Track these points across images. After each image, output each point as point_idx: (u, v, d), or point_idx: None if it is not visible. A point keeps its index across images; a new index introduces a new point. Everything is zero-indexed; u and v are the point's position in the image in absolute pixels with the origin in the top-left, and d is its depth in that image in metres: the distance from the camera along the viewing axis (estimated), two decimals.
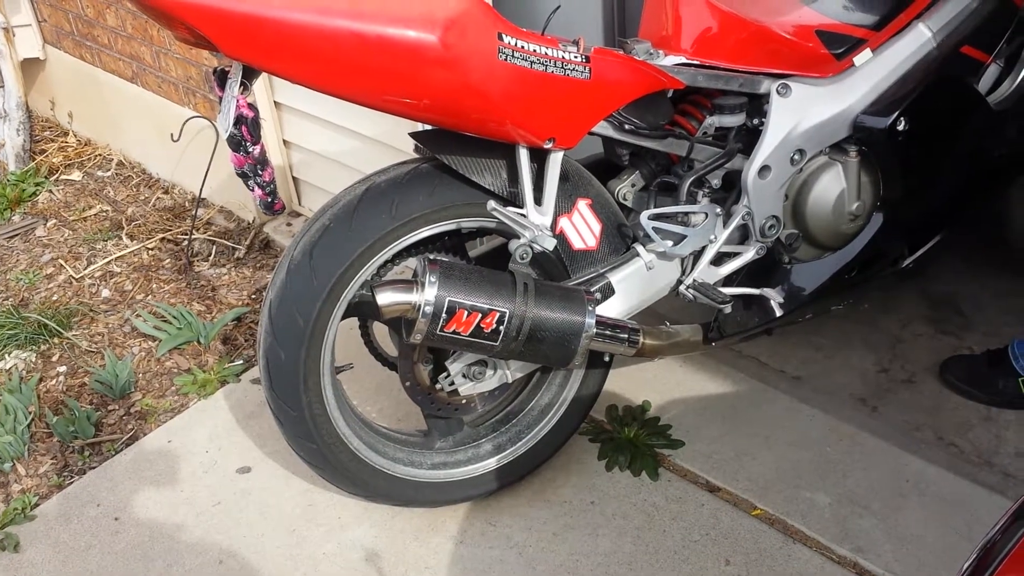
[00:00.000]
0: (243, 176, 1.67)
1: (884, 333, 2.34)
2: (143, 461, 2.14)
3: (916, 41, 1.77)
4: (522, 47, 1.52)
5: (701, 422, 2.11)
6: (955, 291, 2.44)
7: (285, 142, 2.82)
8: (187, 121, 2.85)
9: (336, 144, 2.65)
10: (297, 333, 1.68)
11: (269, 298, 1.70)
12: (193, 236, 2.87)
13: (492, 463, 1.92)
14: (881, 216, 1.87)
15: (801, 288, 1.89)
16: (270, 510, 2.00)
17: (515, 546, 1.88)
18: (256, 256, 2.83)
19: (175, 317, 2.53)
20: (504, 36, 1.51)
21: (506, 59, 1.50)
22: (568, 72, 1.56)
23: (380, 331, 1.94)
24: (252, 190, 1.68)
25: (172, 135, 2.75)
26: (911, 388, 2.17)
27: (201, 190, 2.84)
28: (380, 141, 2.53)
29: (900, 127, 1.74)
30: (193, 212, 2.97)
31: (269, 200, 1.63)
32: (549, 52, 1.54)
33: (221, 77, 1.60)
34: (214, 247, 2.84)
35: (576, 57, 1.57)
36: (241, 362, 2.41)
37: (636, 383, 2.20)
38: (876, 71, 1.77)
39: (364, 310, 1.81)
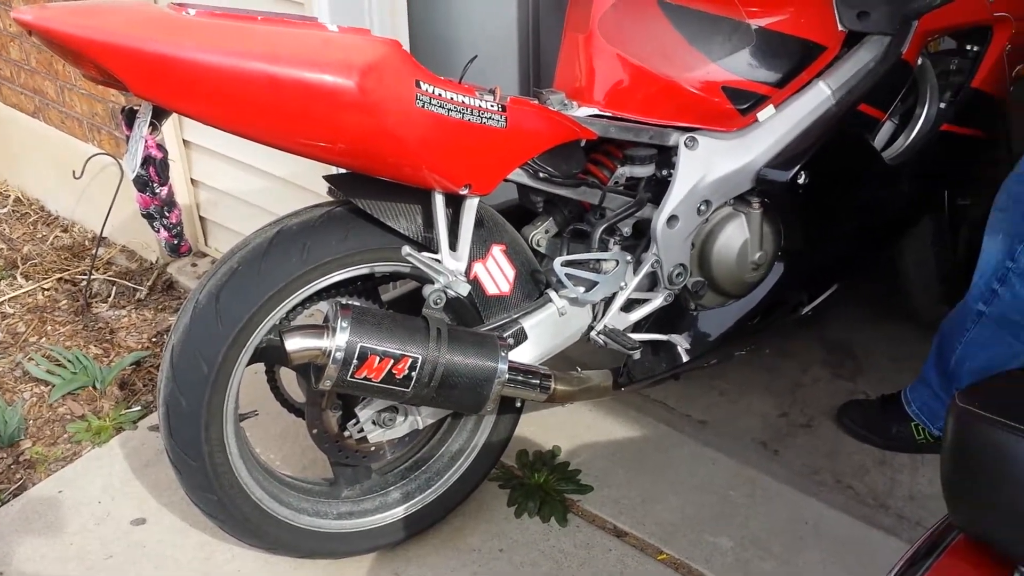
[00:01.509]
0: (148, 217, 1.63)
1: (784, 378, 2.41)
2: (31, 512, 2.02)
3: (816, 99, 1.85)
4: (439, 94, 1.53)
5: (610, 466, 2.12)
6: (849, 338, 2.54)
7: (193, 180, 2.76)
8: (91, 158, 2.76)
9: (246, 184, 2.61)
10: (200, 379, 1.63)
11: (171, 342, 1.65)
12: (92, 276, 2.77)
13: (400, 511, 1.89)
14: (782, 265, 1.94)
15: (707, 334, 1.94)
16: (166, 563, 1.91)
17: None
18: (158, 298, 2.74)
19: (70, 361, 2.42)
20: (422, 83, 1.51)
21: (423, 106, 1.51)
22: (484, 120, 1.58)
23: (287, 376, 1.89)
24: (157, 232, 1.63)
25: (74, 172, 2.66)
26: (810, 432, 2.24)
27: (103, 229, 2.75)
28: (291, 182, 2.50)
29: (800, 181, 1.82)
30: (93, 251, 2.86)
31: (175, 243, 1.60)
32: (466, 100, 1.56)
33: (129, 116, 1.56)
34: (114, 288, 2.74)
35: (493, 106, 1.59)
36: (139, 408, 2.32)
37: (546, 428, 2.21)
38: (778, 127, 1.84)
39: (271, 355, 1.77)
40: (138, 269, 2.85)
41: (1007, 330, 1.88)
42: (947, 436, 0.83)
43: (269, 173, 2.54)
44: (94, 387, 2.36)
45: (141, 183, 1.56)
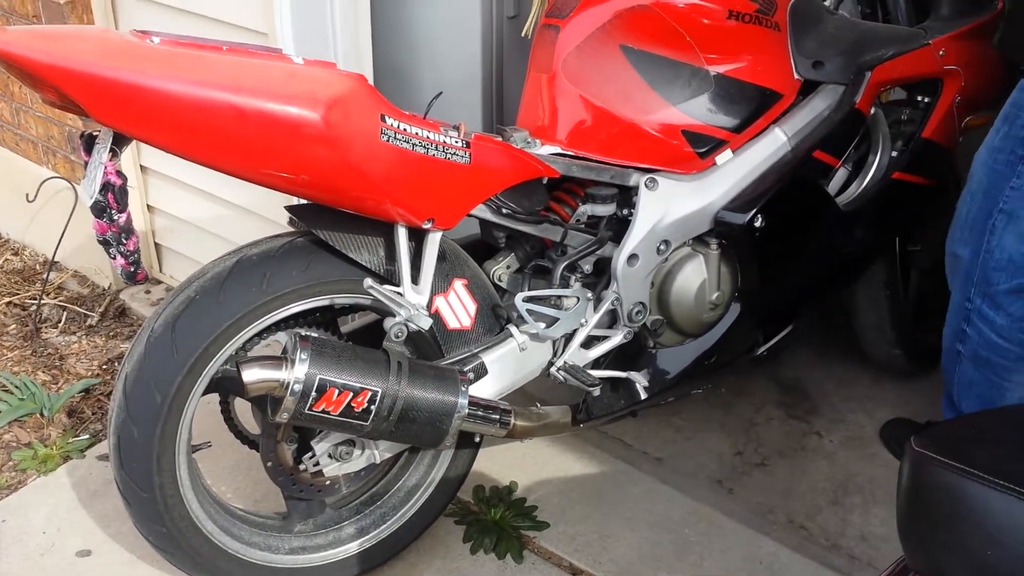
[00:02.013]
0: (104, 243, 1.61)
1: (738, 417, 2.43)
2: None
3: (773, 144, 1.89)
4: (404, 129, 1.54)
5: (566, 503, 2.12)
6: (802, 377, 2.58)
7: (149, 207, 2.73)
8: (44, 181, 2.71)
9: (203, 211, 2.58)
10: (153, 409, 1.60)
11: (125, 371, 1.62)
12: (43, 301, 2.71)
13: (354, 547, 1.86)
14: (739, 306, 1.97)
15: (665, 372, 1.95)
16: None
17: None
18: (110, 324, 2.69)
19: (17, 387, 2.36)
20: (387, 118, 1.52)
21: (388, 140, 1.52)
22: (449, 156, 1.59)
23: (241, 407, 1.87)
24: (113, 258, 1.61)
25: (28, 195, 2.61)
26: (764, 471, 2.26)
27: (55, 253, 2.70)
28: (249, 210, 2.48)
29: (757, 223, 1.85)
30: (44, 275, 2.80)
31: (132, 270, 1.58)
32: (431, 136, 1.57)
33: (88, 141, 1.55)
34: (65, 313, 2.69)
35: (457, 142, 1.60)
36: (87, 437, 2.27)
37: (503, 463, 2.20)
38: (736, 170, 1.88)
39: (226, 385, 1.74)
40: (90, 295, 2.80)
41: (985, 368, 1.94)
42: (903, 480, 0.84)
43: (227, 201, 2.52)
44: (41, 414, 2.30)
45: (98, 209, 1.54)
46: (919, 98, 2.10)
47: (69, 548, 1.96)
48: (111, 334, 2.65)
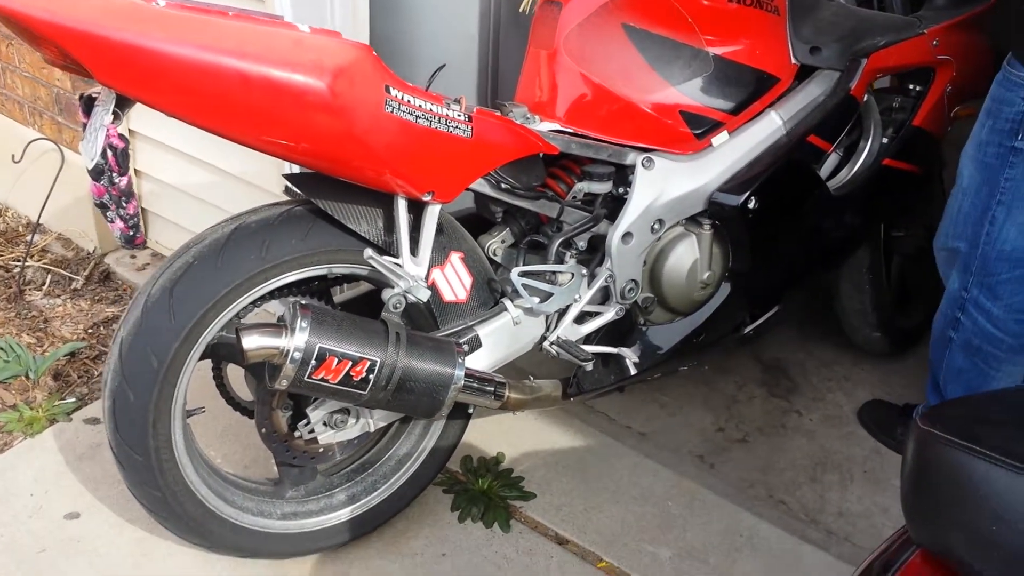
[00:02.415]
0: (101, 207, 1.59)
1: (721, 394, 2.48)
2: None
3: (768, 128, 1.92)
4: (408, 101, 1.54)
5: (553, 475, 2.15)
6: (784, 357, 2.63)
7: (137, 171, 2.70)
8: (31, 143, 2.68)
9: (192, 177, 2.57)
10: (150, 374, 1.60)
11: (120, 336, 1.62)
12: (27, 263, 2.68)
13: (345, 514, 1.89)
14: (729, 286, 2.00)
15: (655, 349, 1.98)
16: (100, 560, 1.87)
17: None
18: (95, 288, 2.68)
19: (2, 348, 2.34)
20: (392, 89, 1.53)
21: (392, 111, 1.52)
22: (451, 129, 1.60)
23: (233, 373, 1.87)
24: (111, 222, 1.60)
25: (13, 156, 2.58)
26: (745, 447, 2.31)
27: (40, 215, 2.67)
28: (240, 178, 2.47)
29: (751, 205, 1.88)
30: (29, 238, 2.77)
31: (131, 234, 1.56)
32: (434, 108, 1.57)
33: (88, 103, 1.53)
34: (49, 276, 2.67)
35: (459, 115, 1.61)
36: (73, 400, 2.26)
37: (491, 435, 2.23)
38: (731, 152, 1.90)
39: (221, 352, 1.75)
40: (74, 258, 2.77)
41: (976, 356, 2.00)
42: (908, 457, 0.87)
43: (218, 168, 2.51)
44: (27, 376, 2.29)
45: (97, 172, 1.53)
46: (911, 86, 2.13)
47: (57, 511, 1.96)
48: (96, 298, 2.64)
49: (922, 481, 0.86)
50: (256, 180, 2.42)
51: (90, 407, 2.25)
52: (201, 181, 2.55)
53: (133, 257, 2.80)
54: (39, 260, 2.73)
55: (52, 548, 1.88)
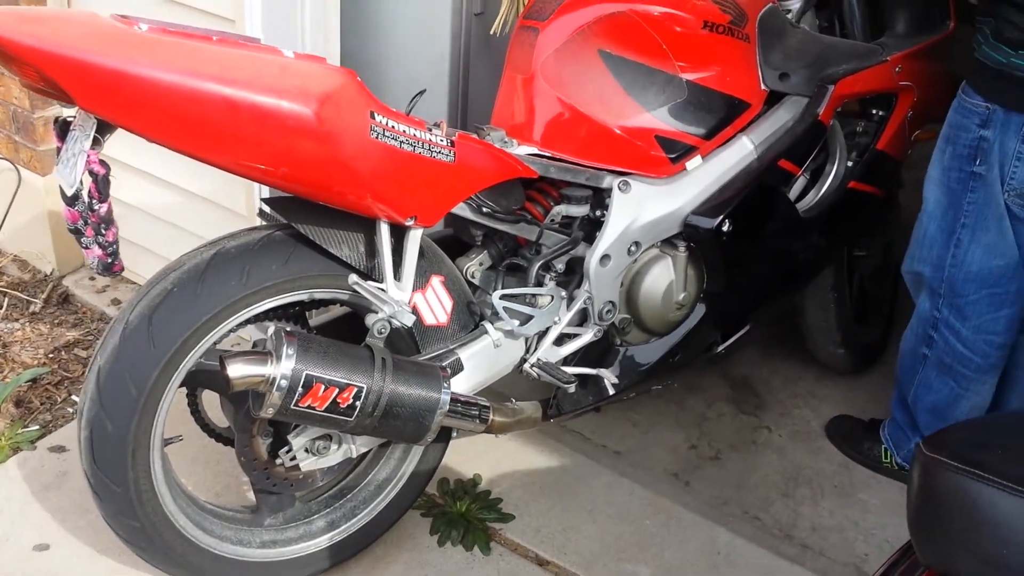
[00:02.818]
0: (76, 232, 1.56)
1: (691, 412, 2.51)
2: None
3: (740, 152, 1.96)
4: (393, 127, 1.55)
5: (530, 495, 2.16)
6: (751, 375, 2.67)
7: None
8: None
9: (156, 198, 2.53)
10: (129, 403, 1.57)
11: (98, 364, 1.59)
12: None
13: (324, 540, 1.86)
14: (703, 306, 2.03)
15: (632, 369, 2.00)
16: None
17: None
18: (54, 311, 2.61)
19: None
20: (376, 115, 1.53)
21: (377, 137, 1.52)
22: (434, 154, 1.60)
23: (208, 401, 1.85)
24: (86, 248, 1.57)
25: None
26: (718, 464, 2.34)
27: None
28: (208, 199, 2.44)
29: (725, 228, 1.91)
30: None
31: (109, 261, 1.54)
32: (418, 134, 1.58)
33: (63, 127, 1.51)
34: (6, 299, 2.59)
35: (442, 140, 1.62)
36: (37, 427, 2.20)
37: (467, 456, 2.22)
38: (705, 176, 1.94)
39: (199, 379, 1.73)
40: (31, 280, 2.70)
41: (946, 374, 2.06)
42: (914, 482, 0.90)
43: (184, 189, 2.47)
44: None
45: (71, 198, 1.50)
46: (874, 111, 2.19)
47: (25, 542, 1.91)
48: (56, 321, 2.57)
49: (928, 506, 0.89)
50: (224, 202, 2.39)
51: (54, 435, 2.19)
52: (166, 203, 2.51)
53: (92, 280, 2.74)
54: None
55: None
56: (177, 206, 2.49)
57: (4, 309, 2.57)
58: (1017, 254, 1.91)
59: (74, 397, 2.32)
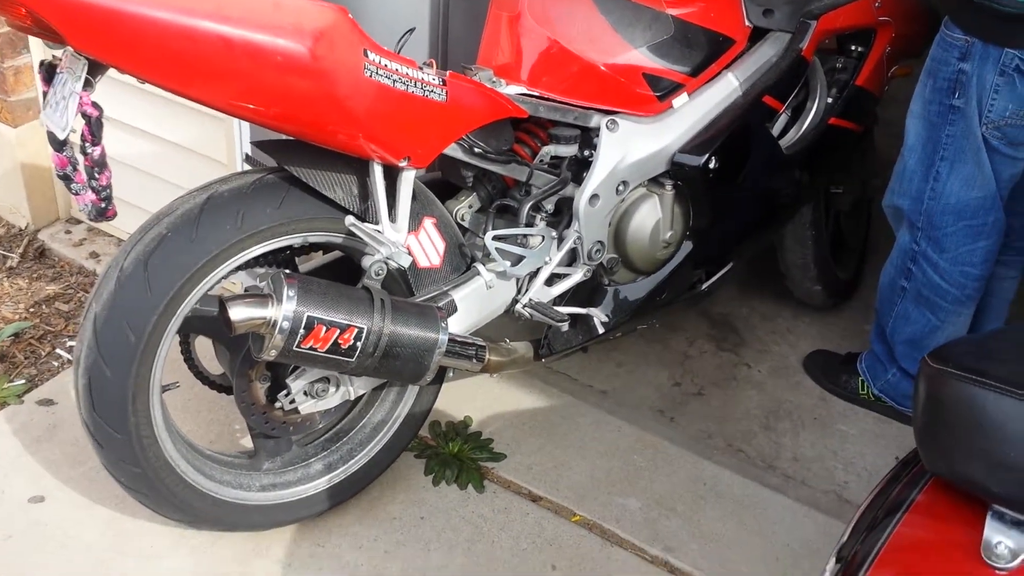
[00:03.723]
0: (65, 179, 1.54)
1: (674, 351, 2.55)
2: None
3: (726, 89, 1.97)
4: (386, 65, 1.54)
5: (520, 435, 2.19)
6: (730, 312, 2.72)
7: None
8: None
9: (132, 148, 2.48)
10: (128, 349, 1.57)
11: (94, 311, 1.58)
12: None
13: (323, 483, 1.89)
14: (689, 244, 2.06)
15: (621, 307, 2.03)
16: (72, 542, 1.83)
17: (346, 566, 1.85)
18: (31, 265, 2.57)
19: None
20: (369, 53, 1.52)
21: (371, 75, 1.52)
22: (427, 93, 1.60)
23: (201, 347, 1.85)
24: (76, 194, 1.55)
25: None
26: (701, 400, 2.39)
27: None
28: (185, 147, 2.41)
29: (711, 165, 1.93)
30: None
31: (103, 206, 1.52)
32: (411, 72, 1.57)
33: (49, 71, 1.48)
34: None
35: (434, 79, 1.61)
36: (23, 382, 2.18)
37: (456, 399, 2.25)
38: (692, 114, 1.95)
39: (193, 325, 1.73)
40: (6, 235, 2.66)
41: (924, 306, 2.11)
42: (920, 394, 0.94)
43: (160, 138, 2.44)
44: None
45: (61, 143, 1.48)
46: (853, 47, 2.22)
47: (20, 495, 1.91)
48: (34, 276, 2.54)
49: (935, 415, 0.93)
50: (204, 150, 2.36)
51: (41, 388, 2.18)
52: (143, 152, 2.47)
53: (68, 233, 2.70)
54: None
55: (19, 534, 1.83)
56: (155, 155, 2.45)
57: None
58: (994, 186, 1.96)
59: (59, 351, 2.30)
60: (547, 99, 1.84)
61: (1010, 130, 1.89)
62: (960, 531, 0.94)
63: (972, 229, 2.02)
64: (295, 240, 1.67)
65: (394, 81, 1.55)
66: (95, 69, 1.40)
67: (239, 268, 1.67)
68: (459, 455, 2.10)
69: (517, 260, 1.84)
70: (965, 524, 0.94)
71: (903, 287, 2.13)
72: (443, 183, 1.96)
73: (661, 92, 1.94)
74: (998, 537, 0.91)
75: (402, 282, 1.78)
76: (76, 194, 1.54)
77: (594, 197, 1.89)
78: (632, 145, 1.91)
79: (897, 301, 2.15)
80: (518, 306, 1.89)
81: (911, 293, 2.12)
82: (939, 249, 2.03)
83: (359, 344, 1.57)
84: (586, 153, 1.91)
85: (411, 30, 1.76)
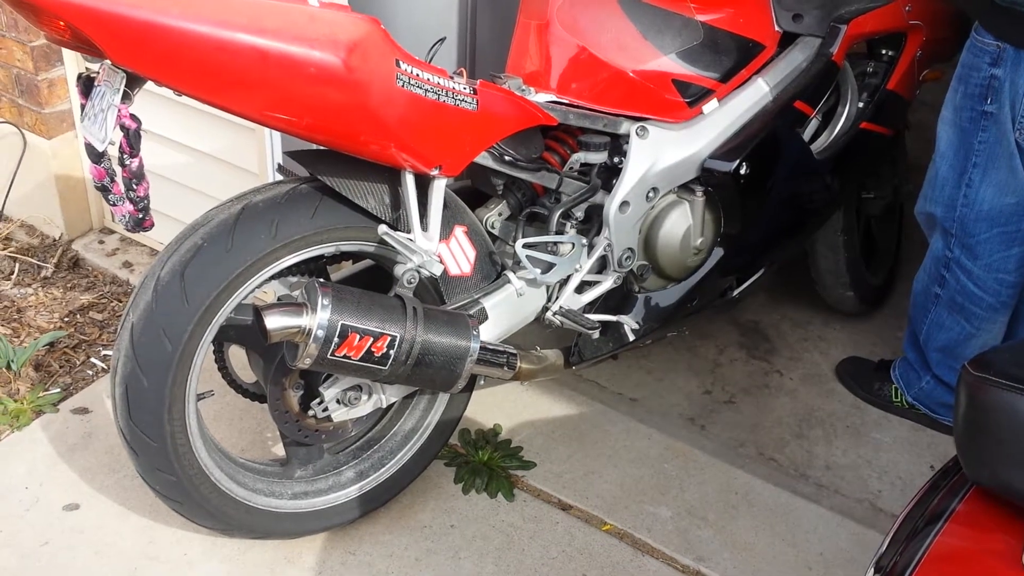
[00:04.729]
0: (103, 190, 1.56)
1: (703, 358, 2.54)
2: None
3: (756, 94, 1.96)
4: (418, 75, 1.55)
5: (550, 443, 2.19)
6: (760, 320, 2.70)
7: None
8: None
9: (164, 159, 2.51)
10: (164, 358, 1.59)
11: (131, 321, 1.60)
12: None
13: (354, 490, 1.89)
14: (720, 251, 2.05)
15: (651, 315, 2.03)
16: (106, 549, 1.85)
17: (377, 574, 1.86)
18: (65, 275, 2.61)
19: None
20: (401, 63, 1.53)
21: (403, 85, 1.53)
22: (459, 102, 1.60)
23: (235, 356, 1.87)
24: (114, 205, 1.57)
25: None
26: (732, 408, 2.38)
27: (4, 202, 2.58)
28: (216, 157, 2.43)
29: (742, 171, 1.93)
30: None
31: (140, 216, 1.54)
32: (442, 82, 1.58)
33: (87, 83, 1.50)
34: (17, 265, 2.58)
35: (465, 88, 1.62)
36: (58, 391, 2.21)
37: (485, 407, 2.25)
38: (722, 119, 1.95)
39: (227, 334, 1.74)
40: (40, 245, 2.69)
41: (958, 313, 2.09)
42: (961, 402, 0.93)
43: (192, 148, 2.46)
44: (8, 368, 2.23)
45: (99, 155, 1.50)
46: (883, 51, 2.20)
47: (55, 503, 1.93)
48: (68, 286, 2.57)
49: (977, 423, 0.92)
50: (235, 160, 2.39)
51: (76, 397, 2.20)
52: (176, 163, 2.50)
53: (101, 243, 2.74)
54: (4, 249, 2.64)
55: (55, 540, 1.85)
56: (187, 166, 2.48)
57: (16, 275, 2.57)
58: None
59: (93, 360, 2.32)
60: (576, 106, 1.85)
61: None
62: (1001, 540, 0.93)
63: (1006, 236, 1.99)
64: (328, 249, 1.69)
65: (426, 91, 1.56)
66: (133, 82, 1.42)
67: (273, 277, 1.68)
68: (489, 463, 2.10)
69: (547, 267, 1.84)
70: (1006, 533, 0.93)
71: (937, 294, 2.11)
72: (473, 191, 1.96)
73: (691, 98, 1.93)
74: None
75: (433, 290, 1.79)
76: (114, 205, 1.56)
77: (624, 204, 1.89)
78: (662, 151, 1.91)
79: (931, 308, 2.13)
80: (548, 313, 1.89)
81: (945, 300, 2.10)
82: (973, 256, 2.01)
83: (392, 352, 1.58)
84: (616, 160, 1.91)
85: (441, 39, 1.77)
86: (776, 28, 2.00)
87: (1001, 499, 0.93)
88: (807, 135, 2.13)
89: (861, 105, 2.18)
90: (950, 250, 2.05)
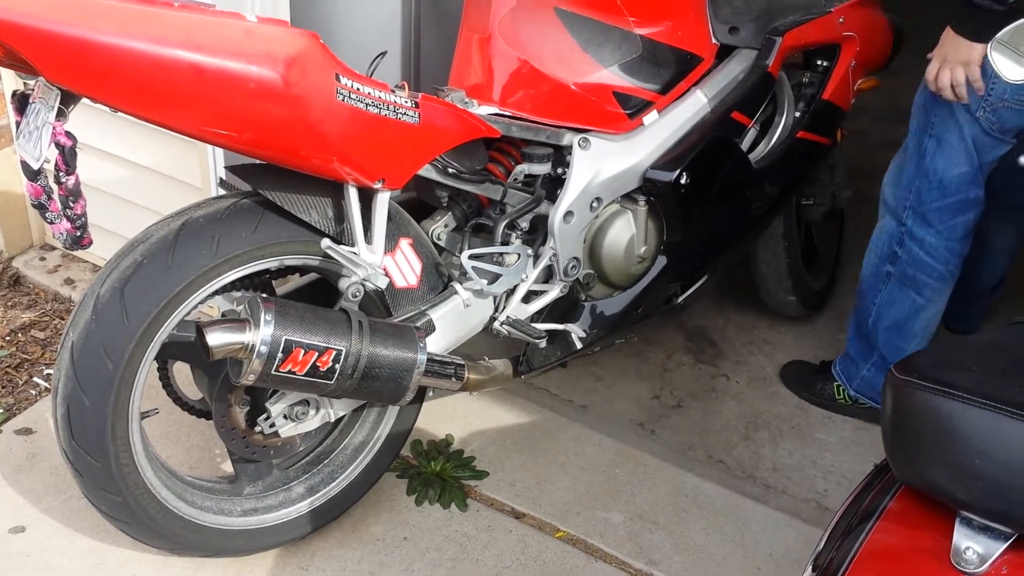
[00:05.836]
0: (40, 208, 1.54)
1: (652, 364, 2.57)
2: None
3: (695, 106, 2.00)
4: (358, 89, 1.55)
5: (502, 452, 2.20)
6: (706, 325, 2.75)
7: None
8: None
9: (105, 173, 2.48)
10: (105, 377, 1.57)
11: (71, 340, 1.58)
12: None
13: (305, 506, 1.89)
14: (664, 259, 2.08)
15: (598, 323, 2.05)
16: (54, 572, 1.82)
17: None
18: (6, 293, 2.56)
19: None
20: (341, 77, 1.53)
21: (344, 100, 1.53)
22: (400, 116, 1.61)
23: (179, 373, 1.85)
24: (51, 223, 1.55)
25: None
26: (680, 412, 2.41)
27: None
28: (155, 171, 2.41)
29: (682, 181, 1.96)
30: None
31: (78, 234, 1.52)
32: (383, 96, 1.59)
33: (21, 100, 1.49)
34: None
35: (407, 102, 1.63)
36: (1, 411, 2.17)
37: (437, 417, 2.26)
38: (662, 131, 1.98)
39: (170, 351, 1.73)
40: None
41: (910, 287, 2.17)
42: (888, 405, 0.96)
43: (133, 163, 2.43)
44: None
45: (35, 173, 1.48)
46: (818, 62, 2.26)
47: (1, 525, 1.90)
48: (9, 304, 2.52)
49: (903, 425, 0.95)
50: (178, 174, 2.36)
51: (19, 417, 2.17)
52: (117, 177, 2.47)
53: (43, 260, 2.69)
54: None
55: (0, 565, 1.82)
56: (128, 180, 2.45)
57: None
58: (977, 162, 2.01)
59: (36, 379, 2.28)
60: (519, 118, 1.87)
61: (1005, 112, 1.92)
62: (930, 537, 0.96)
63: (956, 204, 2.07)
64: (271, 264, 1.68)
65: (367, 105, 1.57)
66: (68, 99, 1.40)
67: (216, 293, 1.67)
68: (441, 474, 2.11)
69: (494, 278, 1.85)
70: (935, 530, 0.96)
71: (888, 272, 2.19)
72: (418, 203, 1.97)
73: (631, 110, 1.96)
74: (967, 543, 0.93)
75: (380, 303, 1.79)
76: (51, 223, 1.54)
77: (568, 214, 1.91)
78: (604, 162, 1.94)
79: (881, 288, 2.20)
80: (496, 324, 1.91)
81: (896, 276, 2.18)
82: (927, 224, 2.09)
83: (338, 366, 1.58)
84: (559, 171, 1.93)
85: (382, 54, 1.78)
86: (713, 41, 2.04)
87: (929, 497, 0.97)
88: (745, 145, 2.17)
89: (798, 115, 2.23)
90: (903, 223, 2.12)
